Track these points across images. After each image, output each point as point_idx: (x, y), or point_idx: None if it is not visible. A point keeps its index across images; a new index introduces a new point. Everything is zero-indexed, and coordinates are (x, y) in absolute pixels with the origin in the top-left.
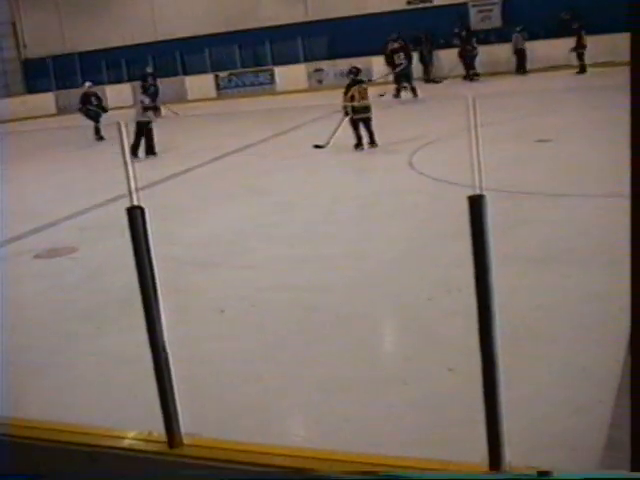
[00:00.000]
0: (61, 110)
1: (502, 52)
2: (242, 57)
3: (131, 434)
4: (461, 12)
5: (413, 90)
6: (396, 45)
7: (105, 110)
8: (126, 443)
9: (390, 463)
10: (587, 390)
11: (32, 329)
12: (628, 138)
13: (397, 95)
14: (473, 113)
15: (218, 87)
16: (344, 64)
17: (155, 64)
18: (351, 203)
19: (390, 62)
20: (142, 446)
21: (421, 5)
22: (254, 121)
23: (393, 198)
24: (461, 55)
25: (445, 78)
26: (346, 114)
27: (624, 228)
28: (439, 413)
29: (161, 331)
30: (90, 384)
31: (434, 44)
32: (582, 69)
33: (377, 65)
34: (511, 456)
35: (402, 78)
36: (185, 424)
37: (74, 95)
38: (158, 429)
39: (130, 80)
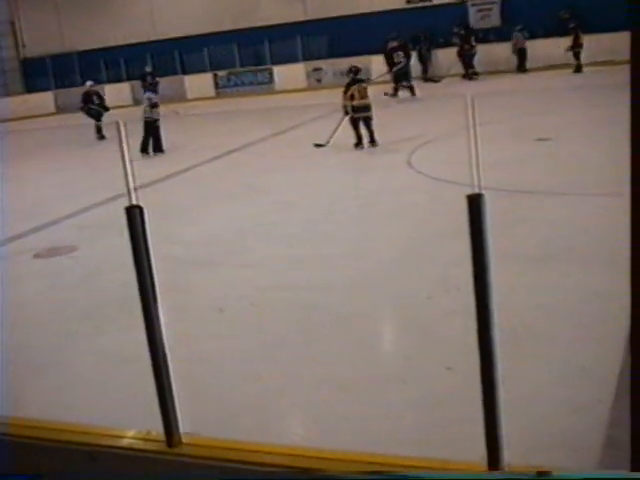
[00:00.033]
0: (60, 109)
1: (501, 51)
2: (241, 56)
3: (130, 433)
4: (460, 11)
5: (411, 89)
6: (395, 44)
7: (107, 109)
8: (125, 442)
9: (387, 461)
10: (587, 389)
11: (31, 328)
12: (628, 137)
13: (394, 94)
14: (472, 112)
15: (217, 86)
16: (343, 63)
17: (154, 63)
18: (350, 202)
19: (389, 61)
20: (141, 445)
21: (420, 4)
22: (253, 120)
23: (392, 197)
24: (460, 54)
25: (443, 77)
26: (346, 113)
27: (624, 227)
28: (438, 412)
29: (160, 330)
30: (89, 383)
31: (433, 43)
32: (578, 68)
33: (376, 64)
34: (510, 456)
35: (400, 77)
36: (184, 423)
37: (73, 94)
38: (157, 428)
39: (129, 79)
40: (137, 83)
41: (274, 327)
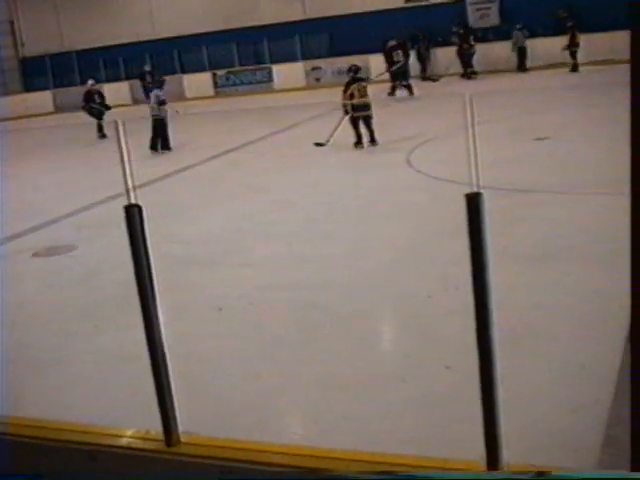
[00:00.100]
0: (59, 108)
1: (500, 50)
2: (240, 55)
3: (129, 432)
4: (459, 10)
5: (409, 88)
6: (394, 42)
7: (108, 108)
8: (124, 441)
9: (386, 460)
10: (587, 388)
11: (31, 327)
12: (626, 136)
13: (392, 93)
14: (470, 111)
15: (216, 85)
16: (342, 62)
17: (153, 62)
18: (350, 201)
19: (389, 60)
20: (140, 444)
21: (419, 3)
22: (252, 119)
23: (392, 196)
24: (459, 53)
25: (442, 76)
26: (346, 112)
27: (623, 226)
28: (438, 411)
29: (159, 329)
30: (88, 382)
31: (431, 42)
32: (574, 67)
33: (375, 63)
34: (510, 455)
35: (398, 76)
36: (183, 422)
37: (72, 93)
38: (156, 428)
39: (128, 78)
40: (136, 82)
41: (273, 326)
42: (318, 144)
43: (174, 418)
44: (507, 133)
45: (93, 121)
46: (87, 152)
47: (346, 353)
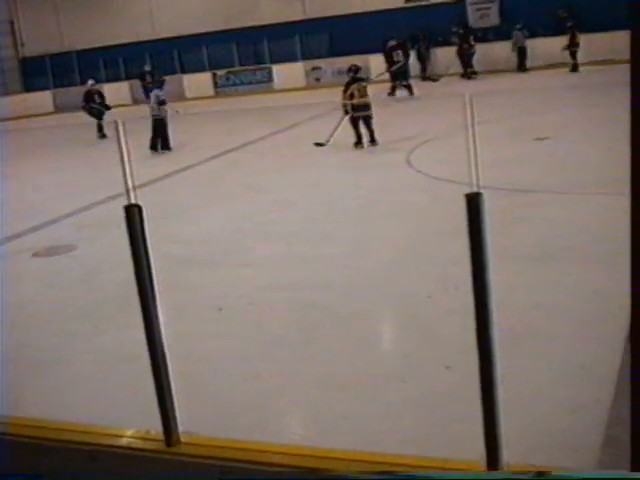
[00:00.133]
0: (59, 108)
1: (500, 50)
2: (240, 55)
3: (129, 432)
4: (459, 10)
5: (409, 88)
6: (394, 42)
7: (108, 108)
8: (124, 441)
9: (386, 460)
10: (587, 388)
11: (31, 327)
12: (626, 136)
13: (392, 93)
14: (470, 111)
15: (216, 85)
16: (342, 62)
17: (153, 62)
18: (350, 201)
19: (389, 60)
20: (140, 444)
21: (419, 3)
22: (252, 119)
23: (392, 196)
24: (459, 53)
25: (442, 76)
26: (346, 112)
27: (623, 226)
28: (438, 411)
29: (159, 329)
30: (88, 382)
31: (431, 42)
32: (574, 67)
33: (375, 63)
34: (510, 455)
35: (398, 76)
36: (183, 422)
37: (72, 93)
38: (156, 427)
39: (128, 78)
40: (136, 82)
41: (273, 326)
42: (318, 144)
43: (174, 418)
44: (507, 133)
45: (93, 121)
46: (87, 152)
47: (346, 353)
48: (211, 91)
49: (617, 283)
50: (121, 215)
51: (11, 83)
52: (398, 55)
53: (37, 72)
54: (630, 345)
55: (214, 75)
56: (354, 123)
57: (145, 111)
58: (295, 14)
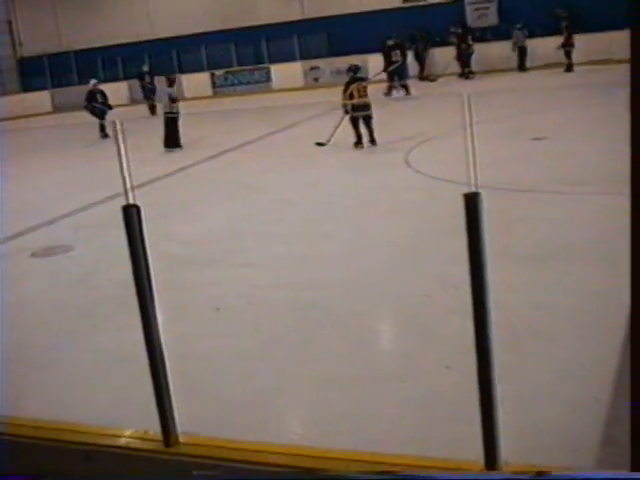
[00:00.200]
0: (57, 108)
1: (498, 50)
2: (238, 55)
3: (127, 433)
4: (457, 10)
5: (405, 87)
6: (391, 42)
7: (110, 107)
8: (122, 442)
9: (385, 460)
10: (586, 388)
11: (29, 327)
12: (625, 135)
13: (388, 93)
14: (468, 111)
15: (214, 85)
16: (340, 62)
17: (151, 62)
18: (349, 201)
19: (387, 59)
20: (138, 445)
21: (417, 3)
22: (251, 119)
23: (391, 196)
24: (457, 53)
25: (440, 76)
26: (346, 112)
27: (623, 225)
28: (437, 411)
29: (157, 329)
30: (86, 382)
31: (429, 42)
32: (569, 67)
33: (374, 63)
34: (510, 454)
35: (395, 76)
36: (181, 422)
37: (70, 93)
38: (154, 428)
39: (126, 78)
40: (135, 82)
41: (272, 325)
42: (319, 144)
43: (172, 418)
44: (505, 133)
45: (93, 121)
46: (88, 152)
47: (345, 352)
48: (209, 91)
49: (617, 283)
50: (119, 215)
51: (9, 83)
52: (396, 55)
53: (35, 72)
54: (630, 345)
55: (212, 75)
56: (354, 123)
57: (144, 111)
58: (293, 14)
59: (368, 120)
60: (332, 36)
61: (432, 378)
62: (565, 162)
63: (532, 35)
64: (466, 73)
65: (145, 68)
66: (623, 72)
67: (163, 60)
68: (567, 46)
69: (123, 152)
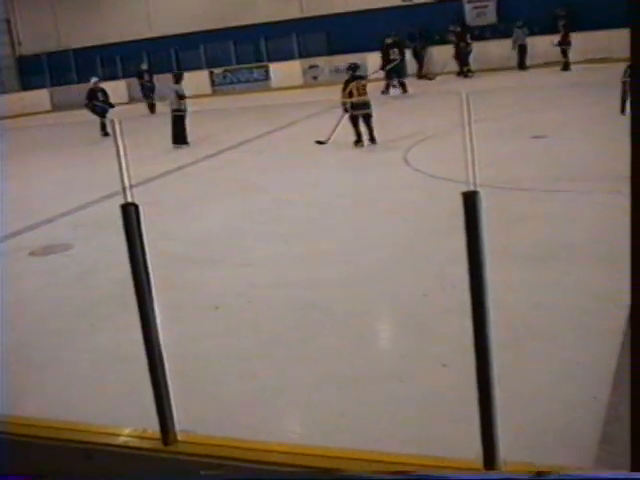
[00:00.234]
0: (56, 107)
1: (497, 48)
2: (237, 53)
3: (126, 431)
4: (456, 9)
5: (403, 86)
6: (390, 40)
7: (112, 106)
8: (121, 440)
9: (383, 459)
10: (586, 388)
11: (27, 326)
12: (625, 134)
13: (385, 91)
14: (467, 109)
15: (213, 83)
16: (339, 60)
17: (150, 61)
18: (349, 200)
19: (385, 58)
20: (137, 443)
21: (416, 1)
22: (250, 117)
23: (390, 195)
24: (456, 52)
25: (438, 74)
26: (345, 110)
27: (623, 224)
28: (436, 410)
29: (156, 328)
30: (85, 381)
31: (428, 40)
32: (566, 66)
33: (372, 61)
34: (510, 453)
35: (393, 74)
36: (180, 421)
37: (69, 92)
38: (153, 426)
39: (125, 77)
40: (134, 80)
41: (271, 324)
42: (319, 142)
43: (171, 417)
44: (505, 131)
45: (92, 119)
46: (90, 150)
47: (343, 351)
48: (208, 89)
49: (616, 282)
50: (118, 214)
51: (8, 81)
52: (394, 53)
53: (34, 70)
54: (630, 345)
55: (211, 73)
56: (354, 121)
57: (142, 109)
58: (292, 12)
59: (368, 118)
60: (331, 34)
61: (431, 377)
62: (565, 160)
63: (531, 33)
64: (464, 71)
65: (144, 66)
66: (622, 71)
67: (162, 58)
68: (564, 44)
69: (122, 151)
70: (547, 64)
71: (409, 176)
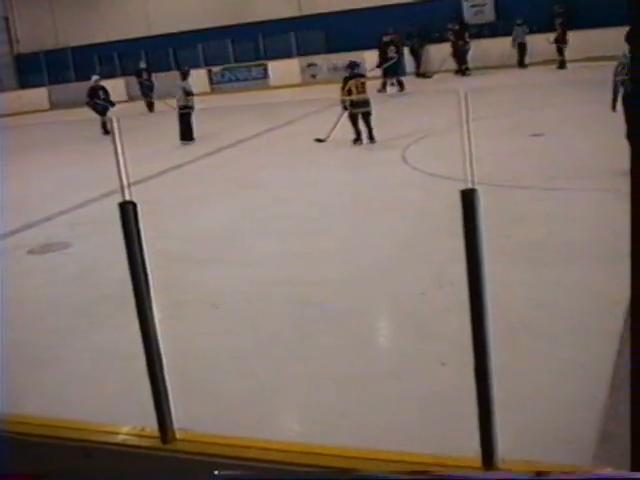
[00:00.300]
0: (54, 105)
1: (495, 46)
2: (235, 52)
3: (124, 429)
4: (455, 7)
5: (400, 84)
6: (387, 39)
7: (112, 104)
8: (119, 438)
9: (381, 458)
10: (586, 387)
11: (27, 325)
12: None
13: (382, 89)
14: (465, 107)
15: (211, 82)
16: (338, 59)
17: (148, 59)
18: (347, 199)
19: (383, 56)
20: (135, 441)
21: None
22: (248, 116)
23: (389, 193)
24: (454, 50)
25: (436, 72)
26: (345, 108)
27: (622, 223)
28: (435, 409)
29: (154, 326)
30: (84, 380)
31: (426, 38)
32: (562, 64)
33: (370, 59)
34: (509, 453)
35: (390, 72)
36: (178, 419)
37: (67, 90)
38: (152, 425)
39: (124, 75)
40: (132, 79)
41: (269, 323)
42: (318, 140)
43: (169, 415)
44: (503, 129)
45: (91, 117)
46: (89, 149)
47: (342, 350)
48: (207, 87)
49: (617, 281)
50: (117, 212)
51: (6, 80)
52: (392, 51)
53: (32, 69)
54: (630, 345)
55: (209, 72)
56: (353, 119)
57: (142, 108)
58: (290, 10)
59: (367, 116)
60: (329, 33)
61: (429, 376)
62: (563, 158)
63: (530, 31)
64: (462, 70)
65: (142, 65)
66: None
67: (160, 57)
68: (560, 43)
69: (120, 149)
70: (546, 62)
71: (407, 174)
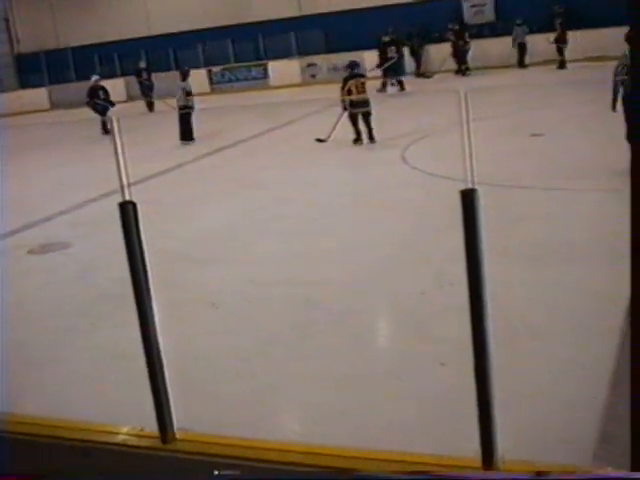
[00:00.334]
0: (54, 105)
1: (496, 46)
2: (235, 52)
3: (124, 429)
4: (454, 7)
5: (400, 84)
6: (387, 39)
7: (112, 104)
8: (119, 438)
9: (379, 457)
10: (585, 387)
11: (27, 325)
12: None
13: (382, 89)
14: (465, 107)
15: (211, 82)
16: (338, 59)
17: (148, 59)
18: (347, 198)
19: (383, 56)
20: (135, 441)
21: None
22: (248, 116)
23: (389, 193)
24: (454, 50)
25: (436, 72)
26: (345, 108)
27: (622, 222)
28: (433, 408)
29: (154, 326)
30: (84, 380)
31: (426, 38)
32: (561, 64)
33: (370, 59)
34: (509, 453)
35: (390, 72)
36: (178, 419)
37: (67, 90)
38: (151, 425)
39: (123, 75)
40: (132, 79)
41: (270, 323)
42: (319, 140)
43: (169, 415)
44: (503, 129)
45: (91, 117)
46: (89, 149)
47: (342, 350)
48: (206, 87)
49: (617, 281)
50: (117, 212)
51: (6, 80)
52: (392, 51)
53: (32, 69)
54: (630, 345)
55: (209, 72)
56: (353, 119)
57: (141, 107)
58: (290, 11)
59: (367, 116)
60: (329, 33)
61: (429, 376)
62: (563, 158)
63: (530, 32)
64: (462, 70)
65: (142, 65)
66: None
67: (160, 57)
68: (560, 43)
69: (120, 149)
70: (546, 62)
71: (407, 174)
